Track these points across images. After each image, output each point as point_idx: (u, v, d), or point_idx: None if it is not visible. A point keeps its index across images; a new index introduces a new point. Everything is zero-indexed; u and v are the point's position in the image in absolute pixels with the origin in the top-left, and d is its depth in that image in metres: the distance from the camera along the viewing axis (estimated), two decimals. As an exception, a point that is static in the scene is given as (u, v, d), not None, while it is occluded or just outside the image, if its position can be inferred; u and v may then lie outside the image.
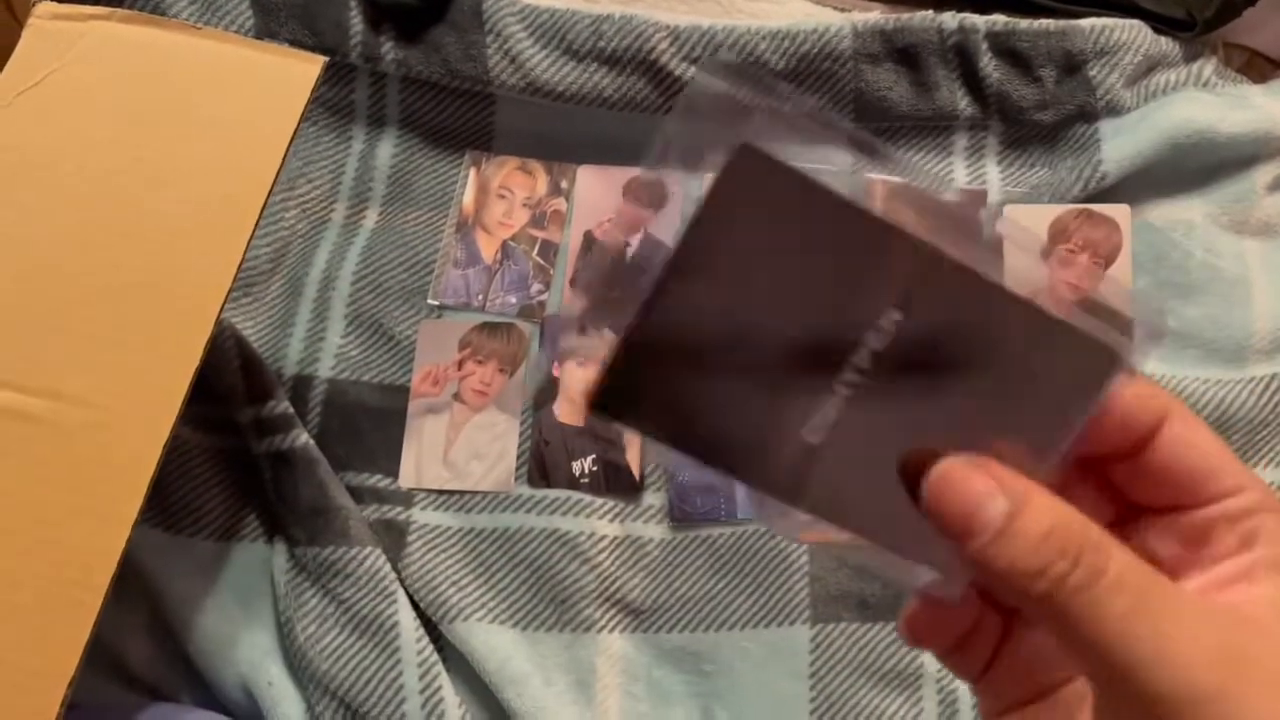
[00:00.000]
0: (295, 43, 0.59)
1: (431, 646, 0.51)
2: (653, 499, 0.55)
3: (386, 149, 0.61)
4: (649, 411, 0.23)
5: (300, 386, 0.57)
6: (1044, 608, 0.22)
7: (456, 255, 0.59)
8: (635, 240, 0.60)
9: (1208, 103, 0.58)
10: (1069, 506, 0.23)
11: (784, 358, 0.23)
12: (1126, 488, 0.26)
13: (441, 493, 0.55)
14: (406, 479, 0.55)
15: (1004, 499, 0.22)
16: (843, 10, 0.64)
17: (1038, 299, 0.23)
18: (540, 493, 0.55)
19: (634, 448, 0.56)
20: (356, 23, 0.59)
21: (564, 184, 0.61)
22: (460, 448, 0.56)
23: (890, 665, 0.53)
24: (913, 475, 0.23)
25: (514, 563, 0.54)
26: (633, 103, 0.59)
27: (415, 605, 0.52)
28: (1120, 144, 0.58)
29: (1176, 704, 0.21)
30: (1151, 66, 0.60)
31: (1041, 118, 0.60)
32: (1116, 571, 0.22)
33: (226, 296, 0.42)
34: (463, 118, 0.61)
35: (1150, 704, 0.21)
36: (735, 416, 0.23)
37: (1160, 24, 0.61)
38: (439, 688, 0.50)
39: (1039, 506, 0.22)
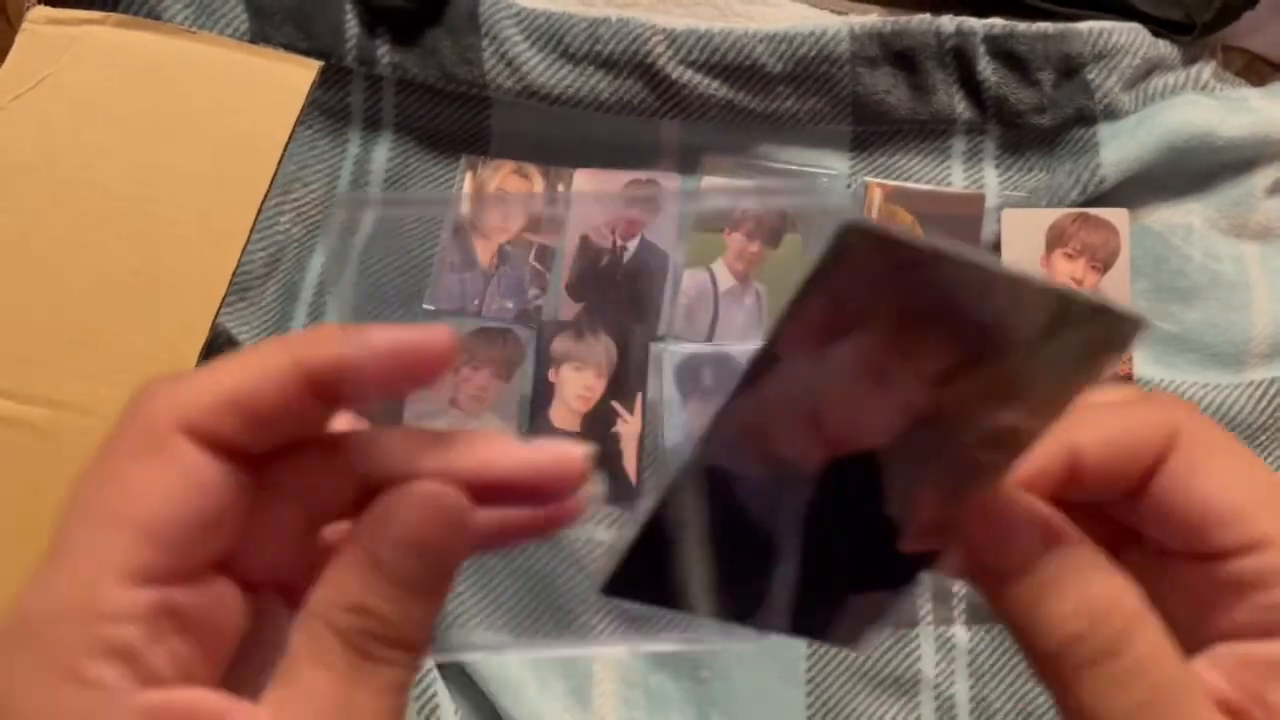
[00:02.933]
0: (290, 47, 0.59)
1: (427, 653, 0.50)
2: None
3: (382, 153, 0.61)
4: (665, 589, 0.23)
5: (296, 391, 0.56)
6: (1052, 668, 0.20)
7: (452, 260, 0.59)
8: (632, 245, 0.60)
9: (1206, 106, 0.58)
10: (1113, 569, 0.20)
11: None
12: (1137, 526, 0.22)
13: (438, 498, 0.55)
14: (403, 484, 0.55)
15: (1049, 548, 0.20)
16: (840, 13, 0.64)
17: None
18: (537, 498, 0.55)
19: (630, 455, 0.56)
20: (352, 26, 0.59)
21: (560, 188, 0.61)
22: (456, 453, 0.56)
23: (888, 672, 0.52)
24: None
25: (511, 569, 0.54)
26: (629, 106, 0.59)
27: (411, 611, 0.52)
28: (1119, 147, 0.58)
29: None
30: (1150, 70, 0.60)
31: (1039, 121, 0.59)
32: (1138, 657, 0.19)
33: (222, 302, 0.42)
34: (459, 121, 0.61)
35: None
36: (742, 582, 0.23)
37: (1159, 27, 0.60)
38: (434, 694, 0.49)
39: (1084, 561, 0.20)
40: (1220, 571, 0.20)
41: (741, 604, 0.24)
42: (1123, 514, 0.22)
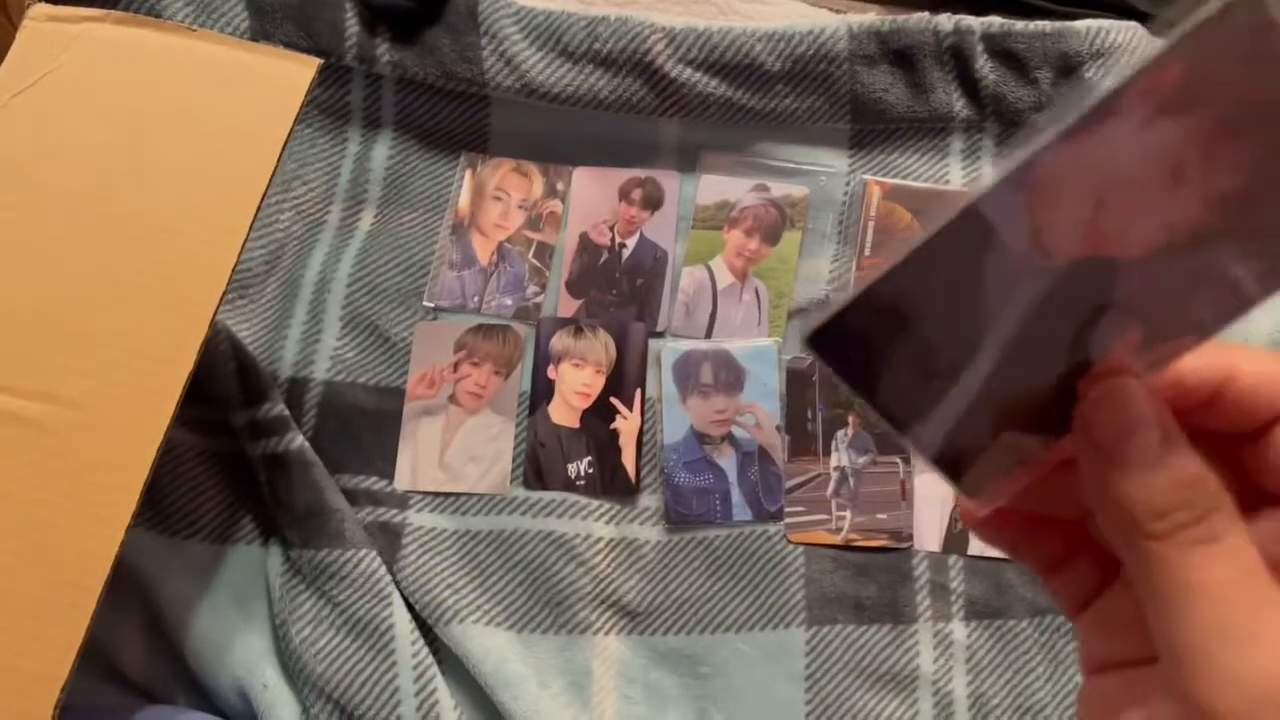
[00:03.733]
0: (290, 45, 0.59)
1: (427, 649, 0.51)
2: (649, 501, 0.55)
3: (382, 151, 0.61)
4: (855, 362, 0.24)
5: (295, 389, 0.56)
6: (1148, 551, 0.21)
7: (452, 257, 0.59)
8: (631, 242, 0.60)
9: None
10: (1209, 468, 0.22)
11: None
12: (1258, 475, 0.24)
13: (437, 495, 0.55)
14: (402, 481, 0.55)
15: (1159, 433, 0.22)
16: (838, 11, 0.64)
17: None
18: (536, 495, 0.55)
19: (629, 451, 0.56)
20: (352, 25, 0.59)
21: (560, 186, 0.61)
22: (456, 450, 0.56)
23: (886, 668, 0.53)
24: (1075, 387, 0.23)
25: (510, 565, 0.54)
26: (628, 104, 0.59)
27: (411, 608, 0.52)
28: (1116, 145, 0.58)
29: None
30: (1148, 68, 0.60)
31: (1038, 119, 0.59)
32: (1233, 544, 0.21)
33: (221, 299, 0.42)
34: (458, 119, 0.61)
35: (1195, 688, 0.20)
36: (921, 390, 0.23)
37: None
38: (434, 690, 0.49)
39: (1188, 454, 0.22)
40: None
41: (909, 407, 0.24)
42: (1247, 458, 0.24)
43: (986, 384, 0.23)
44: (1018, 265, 0.22)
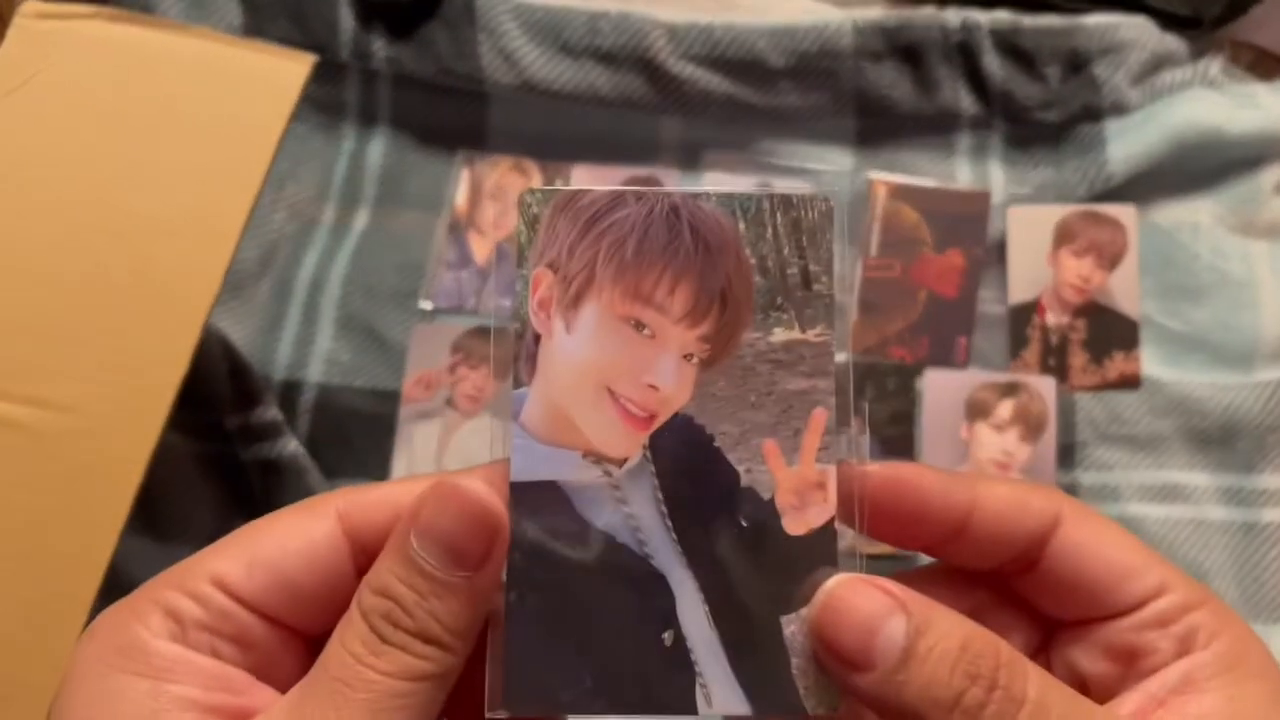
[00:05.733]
0: (285, 41, 0.58)
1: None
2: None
3: (377, 149, 0.61)
4: (572, 689, 0.22)
5: (289, 392, 0.56)
6: None
7: (449, 257, 0.59)
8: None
9: (1215, 102, 0.57)
10: (973, 623, 0.20)
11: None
12: (1038, 603, 0.24)
13: (435, 499, 0.55)
14: (399, 485, 0.55)
15: (903, 618, 0.20)
16: (843, 6, 0.63)
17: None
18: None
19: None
20: (347, 20, 0.59)
21: (559, 184, 0.60)
22: (453, 454, 0.55)
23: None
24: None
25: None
26: (629, 101, 0.59)
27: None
28: (1126, 144, 0.57)
29: None
30: (1158, 65, 0.59)
31: (1046, 117, 0.59)
32: (1037, 696, 0.19)
33: (214, 300, 0.42)
34: (455, 116, 0.61)
35: None
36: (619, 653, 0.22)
37: (1166, 22, 0.60)
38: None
39: (944, 622, 0.20)
40: (1139, 619, 0.22)
41: (668, 681, 0.22)
42: (1028, 590, 0.23)
43: (710, 608, 0.22)
44: (609, 492, 0.22)
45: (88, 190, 0.43)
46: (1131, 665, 0.22)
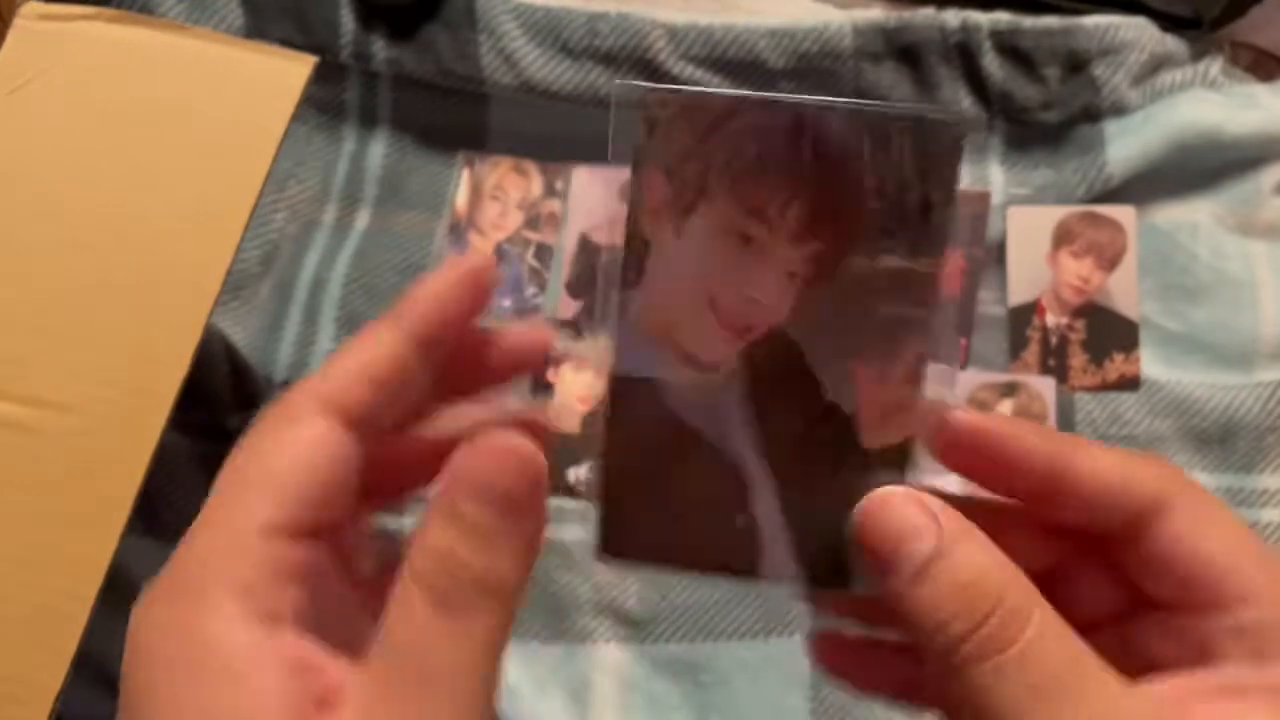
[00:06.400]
0: (285, 42, 0.58)
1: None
2: (650, 506, 0.55)
3: (378, 149, 0.61)
4: (656, 548, 0.24)
5: (290, 392, 0.56)
6: (942, 668, 0.20)
7: (449, 258, 0.59)
8: (632, 242, 0.59)
9: (1214, 103, 0.57)
10: (1004, 560, 0.21)
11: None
12: (1129, 573, 0.23)
13: (435, 500, 0.55)
14: (399, 486, 0.55)
15: (932, 539, 0.20)
16: (843, 7, 0.63)
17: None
18: (535, 500, 0.55)
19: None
20: (348, 21, 0.59)
21: (559, 185, 0.60)
22: (454, 454, 0.55)
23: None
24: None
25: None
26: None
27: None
28: (1126, 144, 0.57)
29: None
30: (1157, 65, 0.59)
31: (1045, 118, 0.59)
32: (1029, 642, 0.19)
33: (215, 300, 0.42)
34: (456, 117, 0.61)
35: None
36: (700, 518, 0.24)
37: (1166, 22, 0.60)
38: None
39: (965, 554, 0.20)
40: (1219, 621, 0.22)
41: (737, 550, 0.24)
42: (1126, 562, 0.23)
43: (783, 493, 0.23)
44: (700, 394, 0.23)
45: (88, 191, 0.43)
46: (1199, 662, 0.22)
